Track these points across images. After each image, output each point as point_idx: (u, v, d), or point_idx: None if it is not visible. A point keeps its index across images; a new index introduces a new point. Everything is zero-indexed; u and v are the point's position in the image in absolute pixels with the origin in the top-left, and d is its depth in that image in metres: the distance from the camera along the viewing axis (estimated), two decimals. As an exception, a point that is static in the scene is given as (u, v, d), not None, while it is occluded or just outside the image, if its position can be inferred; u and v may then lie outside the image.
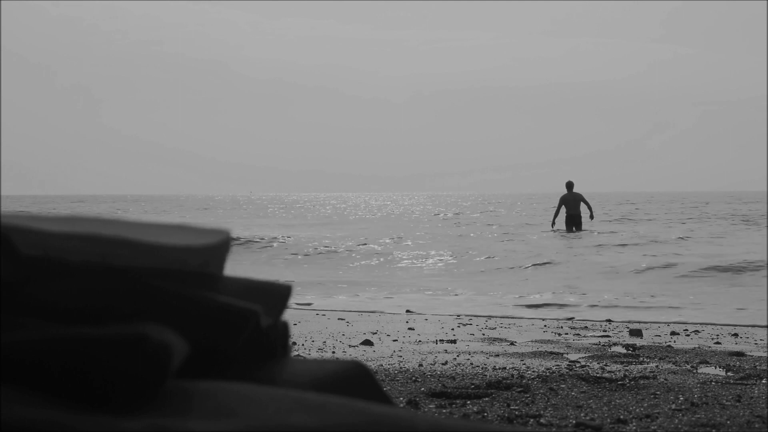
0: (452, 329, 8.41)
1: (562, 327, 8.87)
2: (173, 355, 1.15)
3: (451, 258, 19.34)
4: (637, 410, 4.41)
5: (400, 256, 20.19)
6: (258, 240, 24.24)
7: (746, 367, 6.00)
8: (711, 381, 5.36)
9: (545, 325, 9.01)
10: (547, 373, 5.53)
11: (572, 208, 24.06)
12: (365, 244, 23.53)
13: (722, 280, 14.20)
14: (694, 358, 6.45)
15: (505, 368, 5.80)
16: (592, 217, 24.91)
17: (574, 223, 24.27)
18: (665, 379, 5.37)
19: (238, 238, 22.84)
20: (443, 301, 12.60)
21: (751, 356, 6.67)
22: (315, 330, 8.18)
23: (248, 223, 38.39)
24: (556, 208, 24.52)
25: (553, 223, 24.63)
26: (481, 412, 4.36)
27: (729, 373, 5.76)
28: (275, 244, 23.47)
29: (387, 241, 25.10)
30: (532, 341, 7.59)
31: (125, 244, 1.27)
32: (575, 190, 23.96)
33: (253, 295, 1.42)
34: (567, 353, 6.74)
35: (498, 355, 6.53)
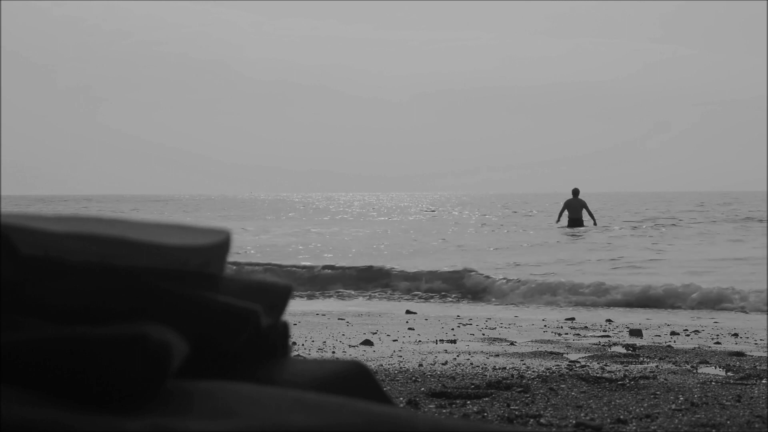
0: (452, 329, 8.41)
1: (562, 327, 8.87)
2: (173, 355, 1.15)
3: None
4: (637, 410, 4.41)
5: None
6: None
7: (746, 367, 6.00)
8: (711, 381, 5.36)
9: (545, 325, 9.01)
10: (547, 373, 5.53)
11: (574, 213, 25.96)
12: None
13: (724, 278, 14.20)
14: (694, 358, 6.45)
15: (505, 368, 5.80)
16: (594, 224, 26.57)
17: (575, 225, 25.97)
18: (665, 379, 5.37)
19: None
20: (443, 301, 12.60)
21: (751, 356, 6.67)
22: (315, 330, 8.18)
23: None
24: (560, 210, 26.66)
25: (558, 220, 26.66)
26: (481, 412, 4.36)
27: (729, 373, 5.76)
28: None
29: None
30: (532, 341, 7.59)
31: (125, 244, 1.27)
32: (580, 197, 26.03)
33: (253, 295, 1.42)
34: (567, 353, 6.74)
35: (498, 355, 6.53)
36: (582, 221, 26.00)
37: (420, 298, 12.87)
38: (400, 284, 13.66)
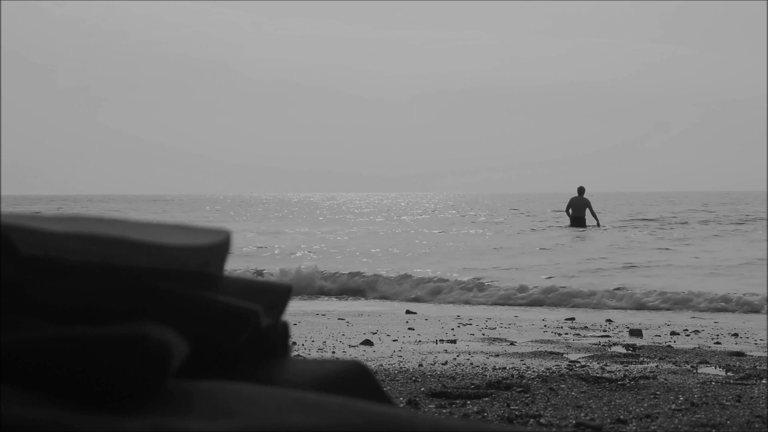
0: (452, 329, 8.41)
1: (562, 327, 8.87)
2: (173, 355, 1.15)
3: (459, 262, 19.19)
4: (637, 410, 4.41)
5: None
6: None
7: (746, 367, 6.00)
8: (711, 381, 5.36)
9: (545, 325, 9.01)
10: (547, 373, 5.53)
11: (577, 211, 25.80)
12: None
13: (725, 279, 14.20)
14: (694, 358, 6.45)
15: (505, 368, 5.80)
16: (597, 225, 26.37)
17: (577, 224, 25.86)
18: (665, 379, 5.37)
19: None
20: (443, 301, 12.60)
21: (751, 356, 6.67)
22: (315, 330, 8.18)
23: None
24: (566, 208, 26.60)
25: (568, 214, 26.48)
26: (481, 412, 4.36)
27: (729, 373, 5.76)
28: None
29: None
30: (532, 341, 7.59)
31: (125, 244, 1.27)
32: (585, 196, 25.83)
33: (253, 295, 1.42)
34: (567, 353, 6.74)
35: (498, 355, 6.53)
36: (584, 221, 25.73)
37: (420, 298, 12.87)
38: (395, 291, 13.56)
